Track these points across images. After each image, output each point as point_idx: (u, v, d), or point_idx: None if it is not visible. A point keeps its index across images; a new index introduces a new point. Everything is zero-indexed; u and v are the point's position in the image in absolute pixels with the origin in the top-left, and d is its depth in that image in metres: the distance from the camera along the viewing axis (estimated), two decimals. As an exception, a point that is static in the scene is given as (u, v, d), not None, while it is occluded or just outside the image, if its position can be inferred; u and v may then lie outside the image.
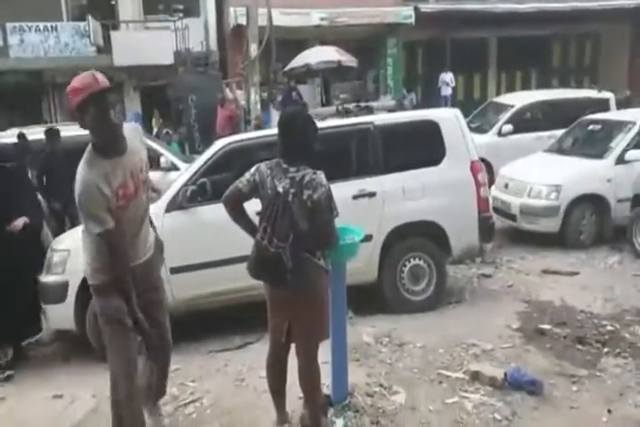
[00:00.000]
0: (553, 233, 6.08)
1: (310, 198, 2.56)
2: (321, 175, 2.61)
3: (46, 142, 6.06)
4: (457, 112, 4.79)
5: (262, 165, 2.70)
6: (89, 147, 2.38)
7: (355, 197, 4.36)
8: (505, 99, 9.92)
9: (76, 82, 2.27)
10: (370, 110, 4.78)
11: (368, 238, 4.13)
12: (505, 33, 15.34)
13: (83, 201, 2.29)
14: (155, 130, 13.12)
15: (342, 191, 4.24)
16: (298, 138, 2.62)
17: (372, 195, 4.39)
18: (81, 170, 2.32)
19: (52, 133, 6.12)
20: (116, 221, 2.37)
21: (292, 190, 2.58)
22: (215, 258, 4.11)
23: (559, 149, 7.07)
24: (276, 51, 10.95)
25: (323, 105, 13.80)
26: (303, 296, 2.63)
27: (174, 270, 4.05)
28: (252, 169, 2.73)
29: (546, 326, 4.06)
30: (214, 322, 4.41)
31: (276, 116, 12.26)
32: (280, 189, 2.60)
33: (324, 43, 14.28)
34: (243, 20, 11.92)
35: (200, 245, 4.13)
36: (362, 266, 4.20)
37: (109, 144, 2.36)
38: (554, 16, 14.35)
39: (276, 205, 2.59)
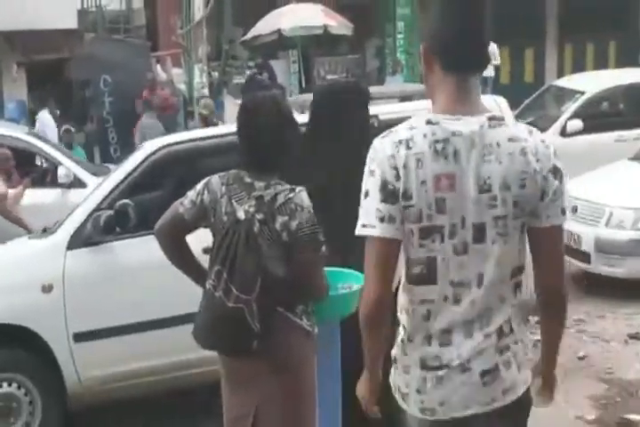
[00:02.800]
0: (644, 280, 6.21)
1: (286, 228, 2.63)
2: (301, 194, 2.68)
3: None
4: (500, 101, 4.94)
5: (214, 179, 2.78)
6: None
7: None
8: (570, 82, 10.19)
9: None
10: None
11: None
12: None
13: None
14: (48, 127, 13.20)
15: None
16: (268, 139, 2.72)
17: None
18: None
19: None
20: None
21: (260, 216, 2.65)
22: (143, 318, 4.15)
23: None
24: (233, 10, 11.19)
25: (302, 89, 14.05)
26: (277, 373, 2.67)
27: (79, 337, 4.07)
28: (200, 185, 2.79)
29: (635, 417, 4.12)
30: (138, 415, 4.39)
31: (231, 105, 12.43)
32: (241, 215, 2.67)
33: (303, -1, 14.61)
34: (182, -35, 12.19)
35: (119, 298, 4.17)
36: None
37: None
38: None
39: (234, 239, 2.65)
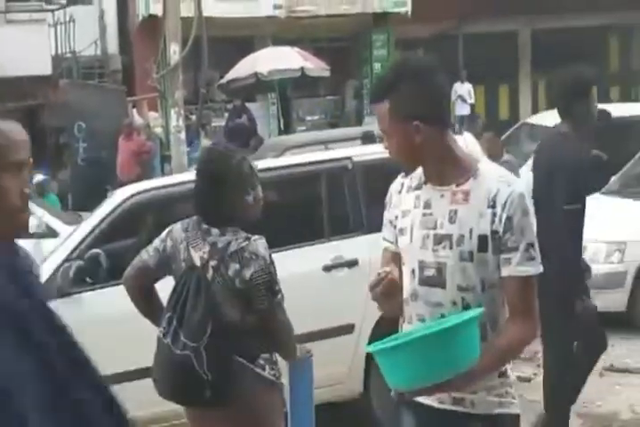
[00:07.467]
0: (618, 312, 6.20)
1: (239, 276, 2.65)
2: (257, 242, 2.69)
3: None
4: (468, 138, 5.04)
5: (177, 226, 2.83)
6: None
7: (327, 269, 4.45)
8: (544, 119, 10.30)
9: None
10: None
11: (348, 330, 4.20)
12: (542, 24, 16.12)
13: None
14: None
15: (309, 261, 4.34)
16: (214, 192, 2.73)
17: (352, 264, 4.49)
18: None
19: None
20: None
21: (213, 263, 2.67)
22: (116, 370, 4.10)
23: (621, 190, 7.32)
24: (210, 54, 11.30)
25: (281, 132, 14.16)
26: (239, 425, 2.67)
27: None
28: (164, 232, 2.85)
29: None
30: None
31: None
32: (196, 261, 2.70)
33: (280, 42, 14.79)
34: (157, 9, 12.34)
35: (92, 350, 4.11)
36: (341, 372, 4.23)
37: None
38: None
39: (187, 286, 2.67)
